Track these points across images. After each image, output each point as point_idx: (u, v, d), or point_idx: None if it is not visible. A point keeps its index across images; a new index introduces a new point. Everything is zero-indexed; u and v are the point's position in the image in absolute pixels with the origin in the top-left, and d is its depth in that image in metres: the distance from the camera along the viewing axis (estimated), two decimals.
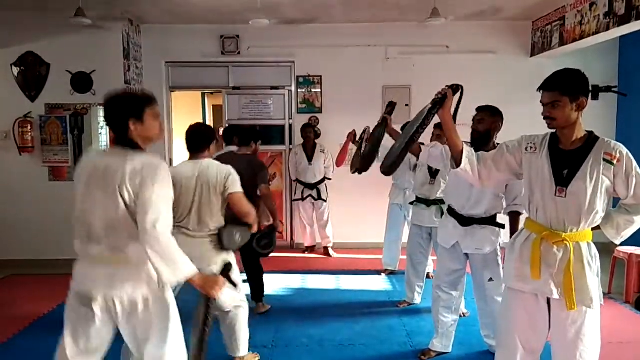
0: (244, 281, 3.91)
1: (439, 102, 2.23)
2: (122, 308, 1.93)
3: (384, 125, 3.15)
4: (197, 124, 3.02)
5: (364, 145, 3.33)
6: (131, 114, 1.94)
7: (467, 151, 2.22)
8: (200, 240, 2.74)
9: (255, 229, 2.87)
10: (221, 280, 2.16)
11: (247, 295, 3.75)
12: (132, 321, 1.97)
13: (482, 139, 2.91)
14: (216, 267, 2.55)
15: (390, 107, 3.33)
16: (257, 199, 3.49)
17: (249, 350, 3.12)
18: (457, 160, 2.22)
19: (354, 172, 3.59)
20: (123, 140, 1.97)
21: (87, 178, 1.96)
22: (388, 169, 2.47)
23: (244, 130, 4.16)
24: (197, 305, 2.38)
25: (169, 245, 1.87)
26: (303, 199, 5.79)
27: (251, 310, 3.87)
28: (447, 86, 2.26)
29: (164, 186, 1.92)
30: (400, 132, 4.46)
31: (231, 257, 2.82)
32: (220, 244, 2.74)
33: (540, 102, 2.09)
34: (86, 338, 1.99)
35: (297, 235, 6.25)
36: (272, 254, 3.78)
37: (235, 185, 2.79)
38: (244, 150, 3.87)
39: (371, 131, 3.30)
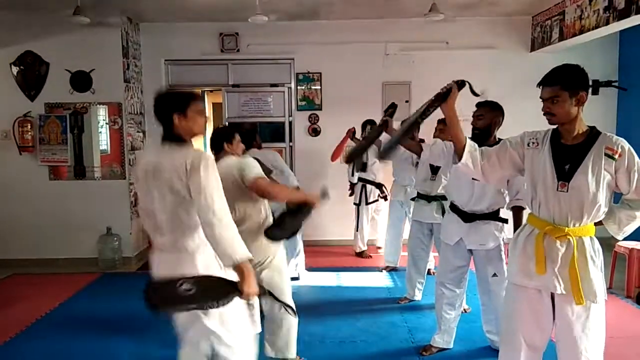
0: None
1: (443, 96, 2.22)
2: None
3: (382, 127, 3.14)
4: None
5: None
6: (176, 108, 2.07)
7: (470, 145, 2.21)
8: None
9: None
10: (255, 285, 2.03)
11: None
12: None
13: (483, 134, 2.90)
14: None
15: (392, 108, 3.29)
16: None
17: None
18: (459, 155, 2.21)
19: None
20: (169, 134, 2.10)
21: (143, 175, 2.12)
22: (383, 154, 2.49)
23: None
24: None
25: (227, 229, 1.96)
26: (379, 199, 5.45)
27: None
28: (453, 81, 2.25)
29: (211, 173, 2.02)
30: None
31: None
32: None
33: (540, 97, 2.08)
34: None
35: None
36: None
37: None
38: None
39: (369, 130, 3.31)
